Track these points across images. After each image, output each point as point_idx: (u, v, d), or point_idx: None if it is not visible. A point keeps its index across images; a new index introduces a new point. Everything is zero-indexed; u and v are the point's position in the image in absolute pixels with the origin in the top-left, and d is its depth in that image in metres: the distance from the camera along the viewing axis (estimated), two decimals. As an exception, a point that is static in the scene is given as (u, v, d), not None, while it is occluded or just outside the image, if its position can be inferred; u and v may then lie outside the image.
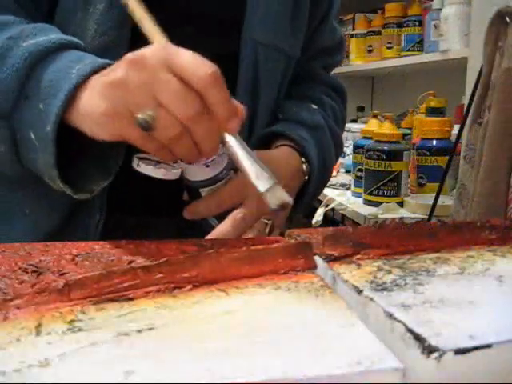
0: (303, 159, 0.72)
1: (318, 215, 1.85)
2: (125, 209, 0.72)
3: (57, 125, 0.53)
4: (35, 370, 0.28)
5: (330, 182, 2.04)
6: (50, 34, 0.58)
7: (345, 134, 2.60)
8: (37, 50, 0.56)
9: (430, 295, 0.37)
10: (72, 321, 0.34)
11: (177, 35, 0.69)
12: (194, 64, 0.50)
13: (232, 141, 0.52)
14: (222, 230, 0.60)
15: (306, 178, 0.73)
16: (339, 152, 0.85)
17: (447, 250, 0.47)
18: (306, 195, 0.74)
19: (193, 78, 0.49)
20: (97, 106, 0.51)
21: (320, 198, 1.95)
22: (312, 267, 0.44)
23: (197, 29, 0.69)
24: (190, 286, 0.40)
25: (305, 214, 0.81)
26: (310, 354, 0.30)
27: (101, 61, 0.55)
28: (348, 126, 2.68)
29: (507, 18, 1.08)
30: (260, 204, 0.61)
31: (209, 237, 0.60)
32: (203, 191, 0.61)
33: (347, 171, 2.16)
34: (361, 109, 3.20)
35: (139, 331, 0.33)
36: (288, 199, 0.52)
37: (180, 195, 0.64)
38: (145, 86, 0.48)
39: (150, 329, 0.33)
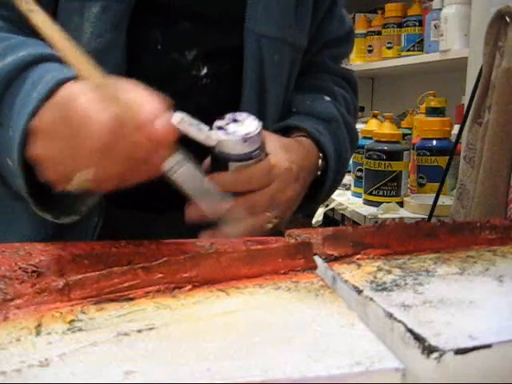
0: (320, 154, 0.72)
1: (318, 215, 1.85)
2: (127, 205, 0.72)
3: (20, 153, 0.52)
4: (35, 369, 0.28)
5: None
6: (19, 52, 0.57)
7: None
8: (5, 73, 0.55)
9: (430, 295, 0.37)
10: (72, 321, 0.34)
11: (175, 31, 0.70)
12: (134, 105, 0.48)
13: (174, 159, 0.53)
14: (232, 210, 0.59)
15: (319, 173, 0.72)
16: (354, 144, 0.84)
17: (447, 250, 0.47)
18: (322, 192, 0.73)
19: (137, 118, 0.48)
20: (43, 154, 0.50)
21: (320, 198, 1.95)
22: (312, 267, 0.44)
23: (196, 24, 0.69)
24: (189, 286, 0.40)
25: (306, 214, 0.79)
26: (310, 354, 0.30)
27: (61, 77, 0.53)
28: (348, 126, 2.68)
29: (507, 18, 1.08)
30: (278, 195, 0.61)
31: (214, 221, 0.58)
32: (232, 165, 0.60)
33: (347, 171, 2.16)
34: (361, 109, 3.19)
35: (139, 331, 0.33)
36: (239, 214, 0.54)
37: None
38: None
39: (150, 329, 0.33)
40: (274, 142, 0.64)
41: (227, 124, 0.59)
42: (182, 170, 0.54)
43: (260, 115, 0.71)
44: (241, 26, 0.70)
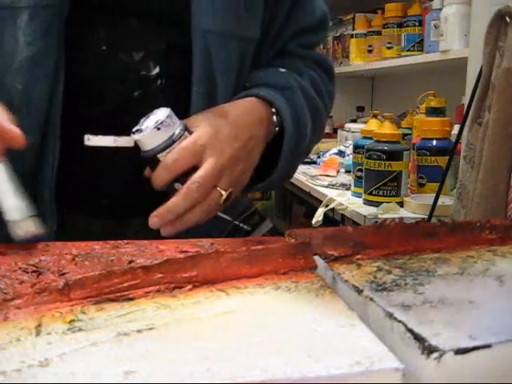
0: (273, 110, 0.69)
1: (318, 215, 1.85)
2: (94, 213, 0.71)
3: None
4: (35, 369, 0.28)
5: (329, 182, 2.05)
6: None
7: (345, 134, 2.60)
8: None
9: (430, 295, 0.37)
10: (72, 321, 0.34)
11: (119, 31, 0.68)
12: None
13: None
14: (172, 202, 0.58)
15: (277, 129, 0.70)
16: (318, 117, 0.78)
17: (447, 250, 0.47)
18: (283, 152, 0.70)
19: None
20: None
21: (320, 198, 1.95)
22: (312, 267, 0.44)
23: (141, 22, 0.68)
24: (189, 286, 0.40)
25: (272, 185, 0.77)
26: (310, 354, 0.30)
27: None
28: (348, 125, 2.68)
29: (507, 18, 1.08)
30: (219, 166, 0.59)
31: (158, 211, 0.58)
32: (161, 156, 0.60)
33: (347, 171, 2.16)
34: (361, 109, 3.20)
35: (139, 331, 0.33)
36: (38, 232, 0.53)
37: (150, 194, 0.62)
38: None
39: (150, 329, 0.33)
40: (197, 116, 0.64)
41: (141, 124, 0.60)
42: (5, 167, 0.54)
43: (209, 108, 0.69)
44: (188, 22, 0.68)
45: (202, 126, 0.62)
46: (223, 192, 0.60)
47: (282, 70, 0.76)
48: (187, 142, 0.60)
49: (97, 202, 0.71)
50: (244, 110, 0.68)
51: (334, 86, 0.86)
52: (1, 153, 0.54)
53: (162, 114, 0.60)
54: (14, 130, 0.54)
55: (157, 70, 0.68)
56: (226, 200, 0.60)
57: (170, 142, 0.59)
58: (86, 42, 0.67)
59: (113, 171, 0.70)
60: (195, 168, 0.60)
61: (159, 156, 0.59)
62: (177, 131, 0.60)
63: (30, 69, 0.63)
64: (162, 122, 0.59)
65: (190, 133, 0.61)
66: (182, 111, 0.64)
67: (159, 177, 0.60)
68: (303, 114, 0.73)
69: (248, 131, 0.65)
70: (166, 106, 0.61)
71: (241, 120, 0.65)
